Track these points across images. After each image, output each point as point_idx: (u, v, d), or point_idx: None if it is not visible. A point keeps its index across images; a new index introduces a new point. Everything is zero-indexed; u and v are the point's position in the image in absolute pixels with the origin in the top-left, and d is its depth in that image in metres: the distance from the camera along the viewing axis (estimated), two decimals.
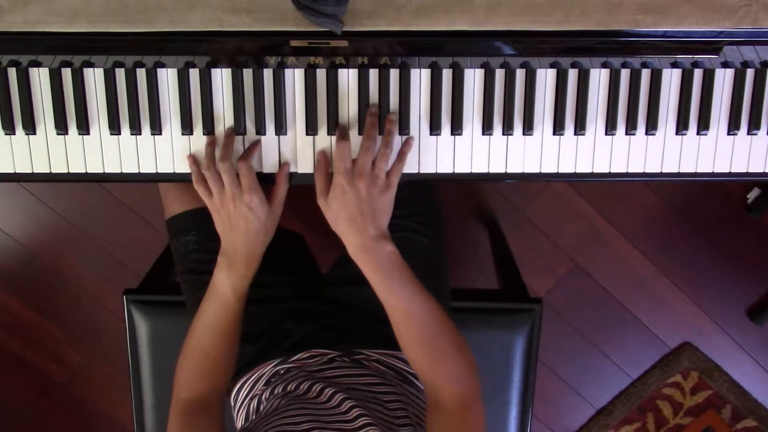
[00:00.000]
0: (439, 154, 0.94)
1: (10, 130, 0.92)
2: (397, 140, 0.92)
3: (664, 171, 0.95)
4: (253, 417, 0.99)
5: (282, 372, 1.01)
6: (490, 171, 0.94)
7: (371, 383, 0.95)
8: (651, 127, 0.93)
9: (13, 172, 0.94)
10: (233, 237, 0.91)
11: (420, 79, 0.91)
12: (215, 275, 0.94)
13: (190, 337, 0.96)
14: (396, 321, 0.88)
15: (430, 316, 0.88)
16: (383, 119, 0.91)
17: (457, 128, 0.92)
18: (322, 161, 0.91)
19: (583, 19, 0.86)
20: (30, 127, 0.92)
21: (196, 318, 0.95)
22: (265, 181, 0.93)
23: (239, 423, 1.05)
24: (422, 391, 1.00)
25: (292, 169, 0.94)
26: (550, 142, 0.93)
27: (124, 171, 0.94)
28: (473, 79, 0.91)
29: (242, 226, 0.90)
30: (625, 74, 0.92)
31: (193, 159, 0.92)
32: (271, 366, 1.04)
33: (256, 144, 0.92)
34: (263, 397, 0.99)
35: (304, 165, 0.94)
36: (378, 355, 1.02)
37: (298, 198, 1.81)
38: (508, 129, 0.92)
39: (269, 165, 0.93)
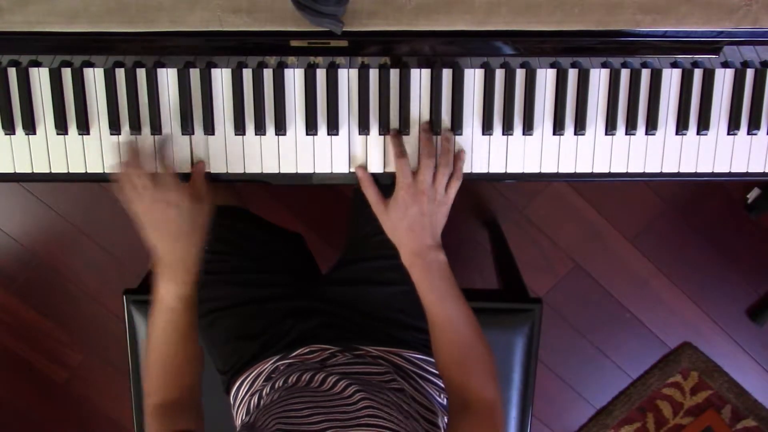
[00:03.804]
0: None
1: (10, 130, 0.92)
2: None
3: (664, 171, 0.95)
4: (254, 412, 0.99)
5: (282, 368, 1.02)
6: (490, 171, 0.94)
7: (376, 380, 0.95)
8: (651, 127, 0.93)
9: (13, 172, 0.94)
10: (162, 243, 0.89)
11: (420, 79, 0.91)
12: (157, 287, 0.91)
13: (148, 351, 0.95)
14: (437, 325, 0.91)
15: (469, 325, 0.91)
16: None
17: (457, 128, 0.92)
18: (366, 178, 0.93)
19: (583, 19, 0.86)
20: (30, 127, 0.92)
21: (150, 333, 0.94)
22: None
23: (239, 420, 1.05)
24: (426, 389, 1.00)
25: (293, 170, 0.94)
26: (550, 142, 0.93)
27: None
28: (473, 79, 0.91)
29: (164, 228, 0.88)
30: (625, 74, 0.92)
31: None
32: (270, 363, 1.04)
33: (168, 141, 0.92)
34: (264, 392, 1.00)
35: (304, 165, 0.94)
36: (379, 352, 1.03)
37: (298, 198, 1.82)
38: (508, 129, 0.92)
39: (268, 166, 0.93)
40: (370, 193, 0.92)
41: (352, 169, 0.94)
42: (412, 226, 0.89)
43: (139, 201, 0.88)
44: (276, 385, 0.97)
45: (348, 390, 0.88)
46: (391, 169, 0.93)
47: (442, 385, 1.03)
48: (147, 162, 0.90)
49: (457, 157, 0.92)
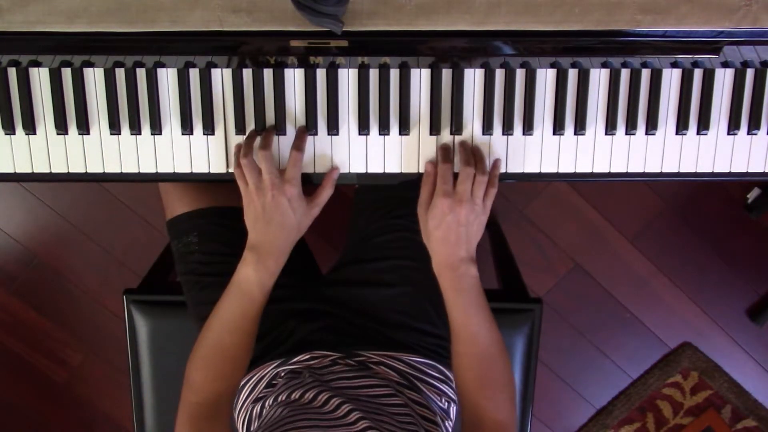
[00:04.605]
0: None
1: (10, 130, 0.92)
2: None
3: (664, 171, 0.95)
4: (256, 422, 0.99)
5: (283, 374, 1.01)
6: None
7: (377, 394, 0.93)
8: (651, 127, 0.93)
9: (13, 172, 0.94)
10: (265, 230, 0.89)
11: (420, 79, 0.91)
12: (240, 270, 0.91)
13: (207, 335, 0.93)
14: (460, 341, 0.90)
15: (493, 345, 0.90)
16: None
17: (456, 129, 0.92)
18: (431, 174, 0.91)
19: (583, 19, 0.86)
20: (30, 127, 0.92)
21: (216, 315, 0.93)
22: None
23: (240, 424, 1.04)
24: (426, 394, 1.00)
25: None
26: (550, 142, 0.93)
27: (124, 171, 0.94)
28: (473, 79, 0.91)
29: (277, 218, 0.88)
30: (625, 74, 0.92)
31: (239, 147, 0.91)
32: (272, 367, 1.03)
33: (305, 133, 0.91)
34: (267, 402, 0.98)
35: (305, 165, 0.93)
36: (380, 357, 1.02)
37: None
38: (508, 129, 0.92)
39: None
40: (425, 191, 0.91)
41: (424, 168, 0.93)
42: (447, 236, 0.88)
43: (256, 185, 0.88)
44: (279, 398, 0.96)
45: (351, 416, 0.86)
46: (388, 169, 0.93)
47: (443, 389, 1.03)
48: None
49: (494, 164, 0.91)
